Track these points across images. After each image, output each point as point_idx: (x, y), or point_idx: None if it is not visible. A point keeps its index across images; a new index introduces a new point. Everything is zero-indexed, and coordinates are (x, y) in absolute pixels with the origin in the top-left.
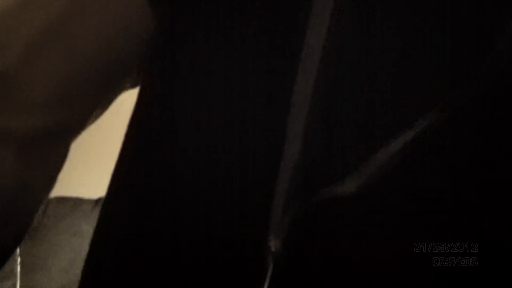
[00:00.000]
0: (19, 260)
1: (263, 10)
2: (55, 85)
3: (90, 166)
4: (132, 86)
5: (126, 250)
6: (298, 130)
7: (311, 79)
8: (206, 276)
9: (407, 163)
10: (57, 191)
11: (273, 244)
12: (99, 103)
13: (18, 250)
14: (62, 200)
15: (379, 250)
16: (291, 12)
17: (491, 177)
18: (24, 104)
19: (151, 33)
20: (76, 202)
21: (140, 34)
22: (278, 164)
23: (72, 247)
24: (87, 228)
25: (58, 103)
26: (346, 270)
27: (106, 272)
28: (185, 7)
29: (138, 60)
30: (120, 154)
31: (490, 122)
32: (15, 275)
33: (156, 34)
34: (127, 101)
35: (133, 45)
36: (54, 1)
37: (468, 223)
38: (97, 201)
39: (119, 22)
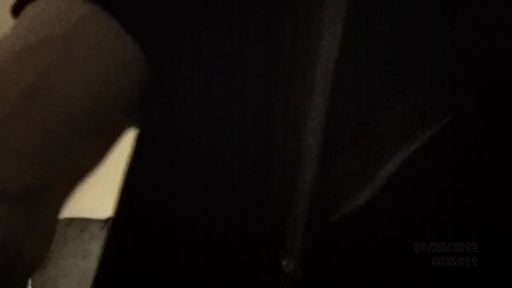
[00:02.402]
0: (29, 284)
1: (258, 13)
2: (44, 142)
3: (98, 186)
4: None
5: (135, 267)
6: (314, 154)
7: (326, 93)
8: (213, 268)
9: (407, 156)
10: (65, 212)
11: (287, 265)
12: (94, 153)
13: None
14: (70, 221)
15: (379, 250)
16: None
17: (491, 177)
18: (14, 161)
19: (145, 77)
20: (84, 224)
21: (134, 81)
22: (297, 183)
23: (82, 269)
24: (96, 249)
25: (48, 159)
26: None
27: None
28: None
29: (134, 105)
30: (126, 171)
31: (490, 122)
32: None
33: (148, 74)
34: None
35: (126, 93)
36: (41, 57)
37: (468, 223)
38: (106, 221)
39: (111, 74)
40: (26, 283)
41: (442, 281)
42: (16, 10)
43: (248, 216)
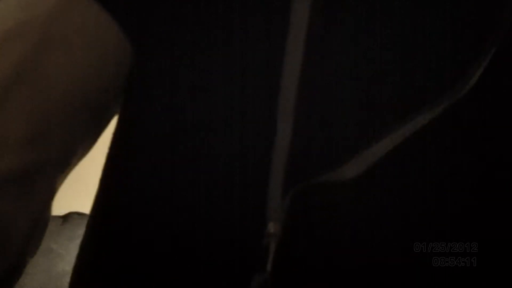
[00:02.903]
0: None
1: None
2: (28, 125)
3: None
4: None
5: (121, 254)
6: (289, 110)
7: (299, 55)
8: (206, 262)
9: (407, 156)
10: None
11: (272, 227)
12: (83, 136)
13: None
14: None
15: (379, 250)
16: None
17: (491, 177)
18: (0, 143)
19: (129, 58)
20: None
21: (118, 62)
22: (273, 146)
23: (42, 268)
24: (57, 247)
25: (34, 141)
26: (345, 258)
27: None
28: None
29: (119, 87)
30: (109, 159)
31: (489, 122)
32: None
33: (135, 58)
34: None
35: (110, 74)
36: (22, 40)
37: (468, 223)
38: (65, 217)
39: (92, 55)
40: (20, 272)
41: (442, 281)
42: None
43: (230, 185)
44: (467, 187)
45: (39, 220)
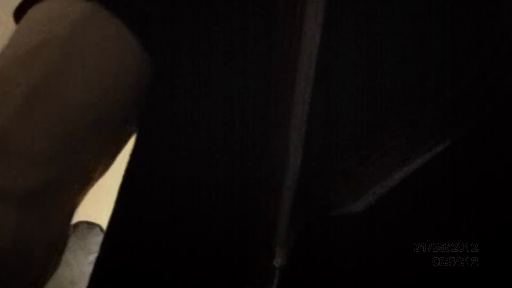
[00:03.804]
0: None
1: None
2: (50, 141)
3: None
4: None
5: (133, 268)
6: (298, 141)
7: (308, 87)
8: (218, 277)
9: (412, 186)
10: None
11: (279, 256)
12: (103, 152)
13: None
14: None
15: (379, 250)
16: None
17: (491, 177)
18: (20, 162)
19: (149, 72)
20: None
21: (138, 76)
22: (284, 176)
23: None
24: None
25: (55, 158)
26: (345, 270)
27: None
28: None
29: (139, 102)
30: (128, 171)
31: (489, 121)
32: None
33: (151, 74)
34: None
35: (130, 89)
36: (44, 58)
37: (468, 223)
38: (74, 226)
39: (113, 71)
40: (42, 286)
41: (442, 281)
42: (18, 14)
43: (245, 214)
44: (467, 187)
45: (60, 236)
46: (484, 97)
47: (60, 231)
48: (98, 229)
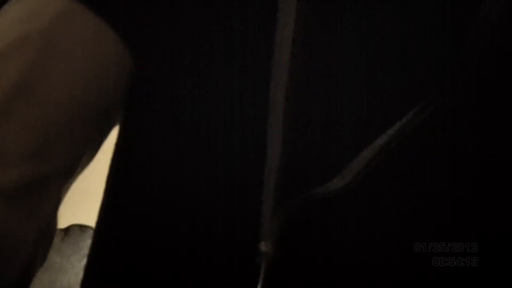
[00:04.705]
0: None
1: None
2: (31, 137)
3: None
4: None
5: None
6: (277, 130)
7: (284, 78)
8: (199, 279)
9: (406, 156)
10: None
11: (264, 245)
12: (85, 146)
13: None
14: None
15: (379, 250)
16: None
17: (491, 176)
18: (4, 157)
19: (130, 66)
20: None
21: (118, 71)
22: (264, 165)
23: (45, 282)
24: (59, 260)
25: (37, 154)
26: (343, 270)
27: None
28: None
29: (120, 95)
30: (113, 167)
31: (489, 121)
32: None
33: (136, 67)
34: None
35: (111, 84)
36: (23, 54)
37: (468, 223)
38: (66, 229)
39: (93, 65)
40: (27, 285)
41: (442, 281)
42: None
43: (223, 202)
44: (467, 187)
45: (45, 232)
46: (484, 96)
47: (46, 224)
48: (91, 232)
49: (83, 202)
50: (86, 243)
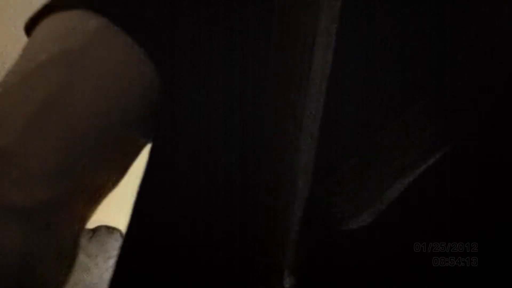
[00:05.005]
0: None
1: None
2: (57, 156)
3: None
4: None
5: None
6: (307, 164)
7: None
8: (198, 279)
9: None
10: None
11: (288, 280)
12: (111, 168)
13: None
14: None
15: (379, 250)
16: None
17: (491, 177)
18: (25, 177)
19: (155, 86)
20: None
21: (143, 90)
22: (294, 199)
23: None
24: (85, 260)
25: (62, 173)
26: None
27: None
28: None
29: (149, 117)
30: (146, 175)
31: (489, 121)
32: None
33: (161, 87)
34: None
35: (136, 103)
36: (52, 74)
37: (468, 223)
38: (94, 230)
39: (121, 86)
40: None
41: (442, 281)
42: (29, 28)
43: (251, 229)
44: (467, 187)
45: (69, 250)
46: (484, 97)
47: (68, 246)
48: (118, 234)
49: (111, 203)
50: (112, 245)
